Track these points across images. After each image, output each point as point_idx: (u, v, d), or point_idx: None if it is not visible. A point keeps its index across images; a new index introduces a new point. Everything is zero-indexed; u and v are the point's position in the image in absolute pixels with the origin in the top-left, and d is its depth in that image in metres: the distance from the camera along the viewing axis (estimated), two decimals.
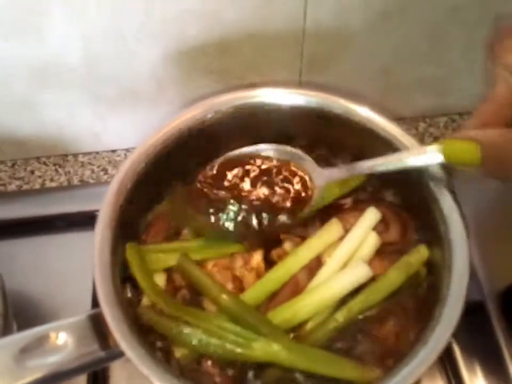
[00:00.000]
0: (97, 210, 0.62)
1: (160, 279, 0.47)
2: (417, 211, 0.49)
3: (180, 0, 0.54)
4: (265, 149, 0.47)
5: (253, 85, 0.50)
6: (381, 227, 0.49)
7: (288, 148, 0.47)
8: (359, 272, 0.44)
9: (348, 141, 0.52)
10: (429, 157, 0.40)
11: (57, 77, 0.60)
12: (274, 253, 0.48)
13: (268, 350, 0.42)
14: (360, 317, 0.45)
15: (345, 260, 0.46)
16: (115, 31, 0.57)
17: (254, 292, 0.46)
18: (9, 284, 0.52)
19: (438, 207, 0.45)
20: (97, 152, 0.72)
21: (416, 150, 0.44)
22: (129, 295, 0.46)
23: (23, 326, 0.52)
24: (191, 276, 0.46)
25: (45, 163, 0.71)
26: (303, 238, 0.48)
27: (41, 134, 0.68)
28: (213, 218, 0.46)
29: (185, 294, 0.47)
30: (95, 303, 0.57)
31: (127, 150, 0.72)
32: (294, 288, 0.46)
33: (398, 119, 0.51)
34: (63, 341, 0.39)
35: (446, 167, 0.44)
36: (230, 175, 0.47)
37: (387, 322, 0.45)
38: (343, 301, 0.45)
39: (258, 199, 0.46)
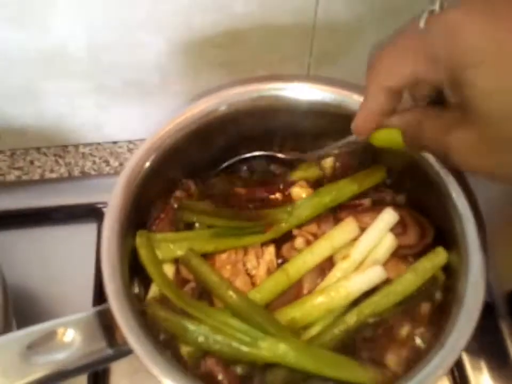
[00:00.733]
0: (99, 203, 0.62)
1: (169, 270, 0.46)
2: (435, 214, 0.48)
3: None
4: None
5: (268, 78, 0.49)
6: (399, 229, 0.47)
7: None
8: (373, 274, 0.43)
9: None
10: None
11: (60, 66, 0.59)
12: (285, 249, 0.47)
13: (275, 350, 0.41)
14: (372, 320, 0.44)
15: (359, 260, 0.45)
16: (121, 21, 0.55)
17: (263, 290, 0.45)
18: (8, 276, 0.51)
19: (454, 210, 0.44)
20: (98, 143, 0.70)
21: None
22: (136, 290, 0.45)
23: (21, 319, 0.51)
24: (198, 272, 0.45)
25: (44, 153, 0.69)
26: (315, 236, 0.47)
27: (42, 124, 0.66)
28: None
29: (194, 286, 0.46)
30: (96, 296, 0.57)
31: (129, 141, 0.71)
32: (299, 288, 0.46)
33: None
34: (70, 337, 0.38)
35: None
36: None
37: (401, 326, 0.44)
38: (355, 303, 0.44)
39: None
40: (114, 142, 0.71)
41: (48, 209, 0.62)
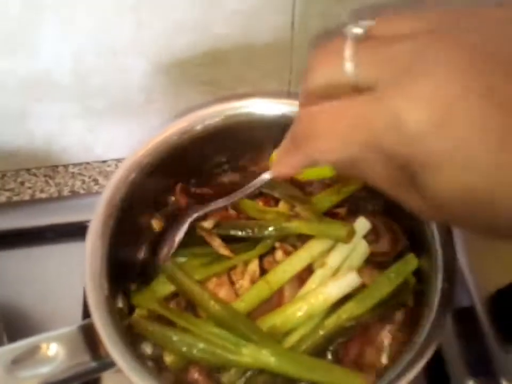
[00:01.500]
0: (88, 221, 0.62)
1: None
2: (407, 220, 0.49)
3: (169, 12, 0.55)
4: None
5: (241, 96, 0.50)
6: (372, 237, 0.49)
7: None
8: (348, 280, 0.45)
9: None
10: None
11: (48, 90, 0.60)
12: (266, 261, 0.48)
13: (257, 356, 0.42)
14: (349, 324, 0.45)
15: (335, 267, 0.47)
16: (105, 46, 0.57)
17: (246, 299, 0.47)
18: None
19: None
20: (87, 163, 0.72)
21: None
22: (120, 305, 0.46)
23: (13, 337, 0.52)
24: (181, 284, 0.46)
25: (35, 174, 0.71)
26: (295, 247, 0.49)
27: (32, 146, 0.68)
28: None
29: (179, 301, 0.47)
30: (86, 314, 0.57)
31: (118, 160, 0.72)
32: (281, 297, 0.47)
33: None
34: (54, 351, 0.39)
35: None
36: None
37: (376, 329, 0.45)
38: (333, 309, 0.45)
39: None
40: (103, 161, 0.72)
41: (38, 229, 0.63)
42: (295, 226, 0.48)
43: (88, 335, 0.41)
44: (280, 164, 0.32)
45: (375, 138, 0.25)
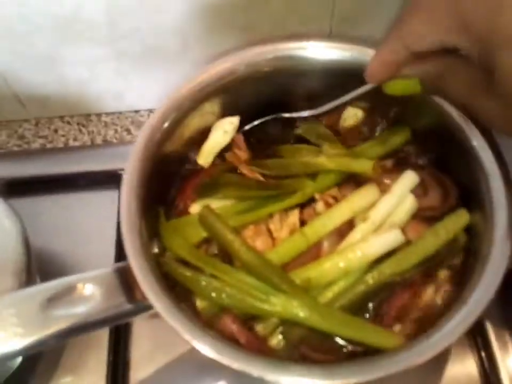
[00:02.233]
0: (121, 169, 0.62)
1: None
2: (460, 174, 0.47)
3: None
4: None
5: (286, 37, 0.48)
6: (420, 191, 0.47)
7: None
8: (390, 237, 0.43)
9: (378, 96, 0.50)
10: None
11: (79, 32, 0.59)
12: (306, 213, 0.47)
13: (287, 306, 0.41)
14: (392, 280, 0.43)
15: (378, 222, 0.45)
16: None
17: (281, 251, 0.45)
18: (33, 241, 0.52)
19: (480, 168, 0.43)
20: (120, 112, 0.71)
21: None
22: (156, 250, 0.45)
23: (47, 281, 0.52)
24: (213, 229, 0.45)
25: (68, 122, 0.70)
26: (336, 199, 0.47)
27: (65, 92, 0.67)
28: None
29: (209, 247, 0.46)
30: (118, 259, 0.57)
31: (151, 110, 0.71)
32: (319, 251, 0.45)
33: None
34: (90, 292, 0.39)
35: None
36: None
37: (422, 287, 0.43)
38: (375, 264, 0.43)
39: None
40: (136, 111, 0.71)
41: (71, 176, 0.63)
42: (321, 162, 0.47)
43: (124, 278, 0.40)
44: (375, 62, 0.38)
45: (464, 19, 0.31)
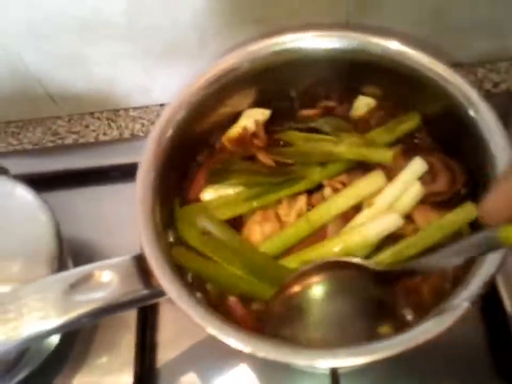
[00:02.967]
0: None
1: None
2: (469, 159, 0.47)
3: None
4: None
5: (286, 29, 0.49)
6: (428, 177, 0.47)
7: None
8: (388, 220, 0.43)
9: (388, 84, 0.50)
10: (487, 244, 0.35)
11: (101, 31, 0.61)
12: (314, 198, 0.48)
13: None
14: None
15: (384, 208, 0.45)
16: None
17: (284, 235, 0.46)
18: (68, 231, 0.56)
19: (489, 154, 0.43)
20: (147, 107, 0.74)
21: (474, 239, 0.36)
22: (171, 239, 0.48)
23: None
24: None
25: (98, 118, 0.74)
26: (344, 185, 0.48)
27: (93, 89, 0.70)
28: None
29: None
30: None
31: None
32: (324, 235, 0.46)
33: (454, 65, 0.48)
34: (108, 278, 0.42)
35: None
36: None
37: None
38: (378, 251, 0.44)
39: None
40: (161, 105, 0.74)
41: (102, 169, 0.67)
42: (339, 151, 0.47)
43: (141, 265, 0.43)
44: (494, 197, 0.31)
45: None
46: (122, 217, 0.63)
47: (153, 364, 0.56)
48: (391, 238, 0.44)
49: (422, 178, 0.46)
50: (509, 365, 0.51)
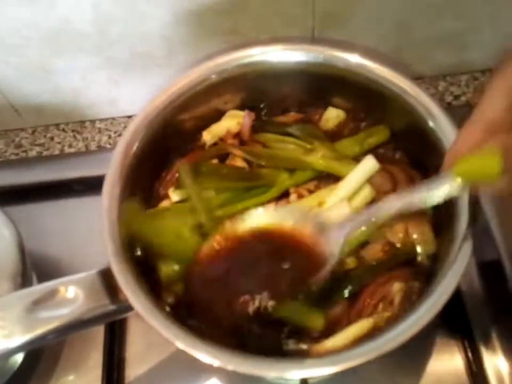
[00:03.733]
0: None
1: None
2: (430, 171, 0.48)
3: None
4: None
5: (254, 43, 0.49)
6: (389, 186, 0.48)
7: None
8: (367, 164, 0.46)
9: (355, 97, 0.51)
10: (446, 187, 0.37)
11: (69, 41, 0.61)
12: (280, 204, 0.48)
13: None
14: None
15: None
16: None
17: None
18: (31, 246, 0.55)
19: None
20: (113, 118, 0.73)
21: (433, 184, 0.38)
22: (138, 253, 0.47)
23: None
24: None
25: (63, 130, 0.73)
26: (311, 192, 0.48)
27: (59, 101, 0.69)
28: None
29: None
30: None
31: None
32: None
33: (417, 78, 0.49)
34: (73, 294, 0.41)
35: None
36: None
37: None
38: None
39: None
40: (129, 117, 0.73)
41: (67, 181, 0.65)
42: (310, 161, 0.48)
43: (107, 280, 0.42)
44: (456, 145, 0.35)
45: None
46: (87, 231, 0.63)
47: (122, 380, 0.55)
48: None
49: (383, 187, 0.47)
50: None
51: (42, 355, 0.57)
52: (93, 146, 0.71)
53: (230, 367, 0.38)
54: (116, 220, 0.44)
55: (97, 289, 0.42)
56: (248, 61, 0.49)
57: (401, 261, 0.46)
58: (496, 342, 0.51)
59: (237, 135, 0.53)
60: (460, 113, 0.51)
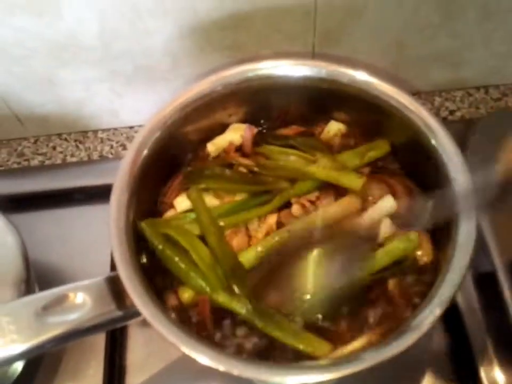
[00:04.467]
0: None
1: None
2: (429, 184, 0.49)
3: None
4: None
5: (260, 57, 0.51)
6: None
7: None
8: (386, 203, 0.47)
9: (356, 111, 0.52)
10: None
11: (74, 54, 0.62)
12: (282, 215, 0.49)
13: (229, 303, 0.45)
14: None
15: None
16: (130, 7, 0.58)
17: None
18: (33, 254, 0.55)
19: (449, 181, 0.46)
20: (115, 129, 0.74)
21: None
22: (144, 260, 0.48)
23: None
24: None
25: (66, 139, 0.73)
26: (313, 203, 0.50)
27: (62, 111, 0.70)
28: None
29: None
30: (113, 269, 0.59)
31: None
32: None
33: (413, 94, 0.51)
34: (81, 300, 0.41)
35: None
36: None
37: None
38: None
39: None
40: (131, 127, 0.74)
41: (69, 191, 0.66)
42: (312, 171, 0.49)
43: (115, 287, 0.43)
44: None
45: None
46: (88, 239, 0.64)
47: None
48: None
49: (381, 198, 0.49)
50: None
51: (42, 362, 0.57)
52: (95, 156, 0.72)
53: (235, 371, 0.39)
54: (123, 228, 0.45)
55: (105, 295, 0.42)
56: (253, 75, 0.50)
57: (399, 271, 0.47)
58: (492, 354, 0.52)
59: (240, 148, 0.54)
60: (454, 128, 0.53)
